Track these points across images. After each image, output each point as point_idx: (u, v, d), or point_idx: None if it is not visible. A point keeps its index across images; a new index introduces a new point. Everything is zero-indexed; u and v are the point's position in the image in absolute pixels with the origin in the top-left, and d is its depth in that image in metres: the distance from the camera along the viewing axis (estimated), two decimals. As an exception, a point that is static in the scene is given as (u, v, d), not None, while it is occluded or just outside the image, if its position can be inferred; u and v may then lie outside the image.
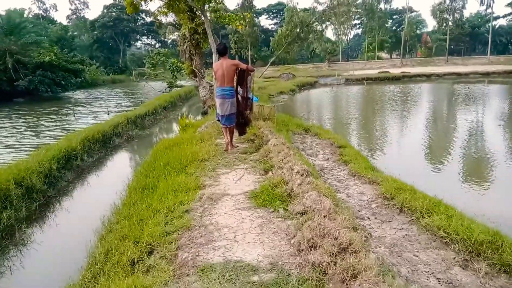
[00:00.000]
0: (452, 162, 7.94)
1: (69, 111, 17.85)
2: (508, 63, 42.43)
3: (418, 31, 70.19)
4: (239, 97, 6.41)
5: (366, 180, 4.88)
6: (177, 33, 17.27)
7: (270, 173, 4.94)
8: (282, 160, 5.05)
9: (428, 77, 33.87)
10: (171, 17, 24.82)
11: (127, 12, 8.07)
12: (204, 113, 16.97)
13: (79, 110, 19.27)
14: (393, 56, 75.29)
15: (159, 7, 10.47)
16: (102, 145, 10.44)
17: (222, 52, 6.29)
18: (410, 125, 13.17)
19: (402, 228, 3.43)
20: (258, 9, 69.71)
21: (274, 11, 75.54)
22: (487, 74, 33.30)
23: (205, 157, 6.05)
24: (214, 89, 6.55)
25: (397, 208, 3.86)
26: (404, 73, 34.94)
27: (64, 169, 8.17)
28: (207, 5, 15.17)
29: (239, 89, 6.39)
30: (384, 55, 73.39)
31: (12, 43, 26.80)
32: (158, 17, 10.83)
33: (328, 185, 4.07)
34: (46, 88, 26.94)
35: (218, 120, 6.54)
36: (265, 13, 76.67)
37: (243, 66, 6.29)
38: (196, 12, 15.98)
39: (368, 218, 3.72)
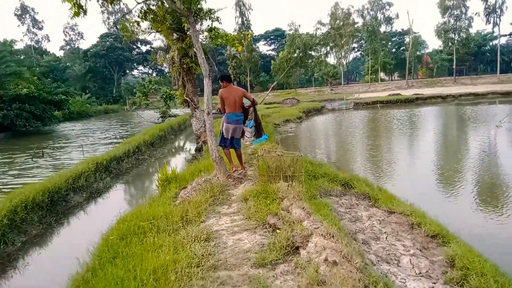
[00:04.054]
0: None
1: (34, 152, 14.74)
2: (521, 82, 39.92)
3: (418, 52, 68.55)
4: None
5: None
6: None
7: None
8: None
9: (443, 98, 31.07)
10: (161, 41, 22.34)
11: (73, 15, 5.22)
12: (199, 150, 13.99)
13: (54, 147, 16.25)
14: (394, 78, 73.44)
15: (124, 14, 7.74)
16: (48, 210, 7.31)
17: (229, 79, 6.44)
18: (467, 159, 10.09)
19: None
20: (255, 35, 68.38)
21: (272, 37, 74.19)
22: (507, 94, 30.48)
23: (183, 283, 2.93)
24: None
25: None
26: (417, 95, 32.13)
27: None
28: (200, 21, 12.52)
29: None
30: (384, 77, 71.45)
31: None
32: (129, 30, 8.01)
33: None
34: (24, 123, 24.09)
35: (221, 145, 6.49)
36: (263, 39, 75.30)
37: (250, 97, 6.65)
38: (187, 32, 13.32)
39: None
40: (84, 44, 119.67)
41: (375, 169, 9.69)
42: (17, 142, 19.80)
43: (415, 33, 61.45)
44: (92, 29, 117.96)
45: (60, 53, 66.15)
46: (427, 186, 7.95)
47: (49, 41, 77.86)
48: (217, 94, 6.56)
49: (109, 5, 6.50)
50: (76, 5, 5.26)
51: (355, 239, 3.91)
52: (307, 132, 19.16)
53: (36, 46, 61.57)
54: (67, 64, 58.48)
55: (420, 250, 3.72)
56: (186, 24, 12.71)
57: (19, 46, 56.29)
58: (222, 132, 6.42)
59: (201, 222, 4.42)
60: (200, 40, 12.21)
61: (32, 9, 61.53)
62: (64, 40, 67.16)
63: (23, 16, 60.65)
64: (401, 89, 46.13)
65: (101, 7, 6.07)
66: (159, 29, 7.66)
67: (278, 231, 3.81)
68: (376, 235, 4.04)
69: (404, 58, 56.34)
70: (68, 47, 66.75)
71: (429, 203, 6.07)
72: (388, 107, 29.33)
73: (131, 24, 7.59)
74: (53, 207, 7.52)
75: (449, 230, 4.03)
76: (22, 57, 52.89)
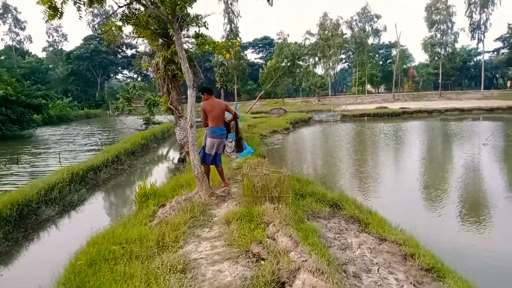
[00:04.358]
0: None
1: (8, 158, 14.00)
2: (504, 98, 40.94)
3: (404, 66, 69.90)
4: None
5: None
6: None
7: None
8: None
9: (429, 113, 31.49)
10: (145, 46, 21.89)
11: (48, 19, 4.83)
12: (182, 160, 13.56)
13: (32, 153, 15.52)
14: (381, 90, 74.56)
15: (107, 17, 7.40)
16: (15, 225, 6.77)
17: (210, 91, 6.26)
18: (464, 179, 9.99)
19: None
20: (243, 43, 68.44)
21: (260, 45, 74.52)
22: (491, 110, 31.12)
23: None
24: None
25: None
26: (404, 109, 32.47)
27: None
28: (186, 27, 12.21)
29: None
30: (371, 89, 72.43)
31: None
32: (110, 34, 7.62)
33: None
34: (0, 126, 23.14)
35: (203, 163, 6.06)
36: (251, 47, 75.50)
37: (231, 110, 6.50)
38: (173, 37, 12.96)
39: None
40: (68, 46, 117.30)
41: (362, 185, 9.48)
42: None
43: (402, 46, 62.81)
44: (77, 31, 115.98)
45: (42, 55, 64.72)
46: (414, 205, 7.76)
47: (31, 42, 76.24)
48: (201, 101, 6.28)
49: (88, 8, 6.11)
50: (51, 7, 4.85)
51: (345, 271, 3.61)
52: (294, 144, 18.95)
53: (18, 47, 59.97)
54: (49, 66, 57.16)
55: (414, 286, 3.44)
56: (172, 30, 12.37)
57: (-1, 46, 54.77)
58: (205, 148, 6.08)
59: (179, 248, 4.04)
60: (186, 47, 11.88)
61: (15, 8, 60.05)
62: (47, 41, 65.69)
63: (5, 15, 59.11)
64: (387, 102, 46.75)
65: (78, 10, 5.66)
66: (142, 35, 7.29)
67: (262, 262, 3.48)
68: (368, 267, 3.75)
69: (391, 70, 57.30)
70: (51, 48, 65.22)
71: (417, 222, 5.91)
72: (375, 120, 29.53)
73: (114, 27, 7.20)
74: (22, 222, 6.98)
75: (444, 262, 3.77)
76: (2, 58, 51.48)
